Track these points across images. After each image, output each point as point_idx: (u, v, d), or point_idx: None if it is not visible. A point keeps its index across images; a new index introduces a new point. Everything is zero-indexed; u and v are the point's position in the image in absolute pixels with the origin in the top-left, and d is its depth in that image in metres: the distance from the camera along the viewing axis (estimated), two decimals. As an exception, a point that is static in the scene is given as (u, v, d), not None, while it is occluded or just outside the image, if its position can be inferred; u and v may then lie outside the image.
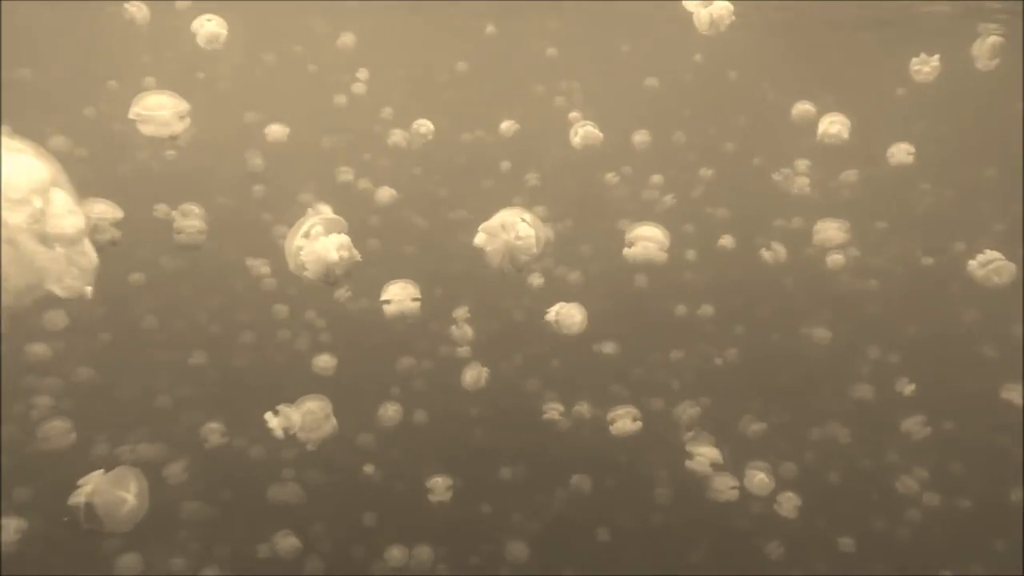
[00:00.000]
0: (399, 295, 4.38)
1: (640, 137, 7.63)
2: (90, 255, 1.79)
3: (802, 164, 7.13)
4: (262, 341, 7.79)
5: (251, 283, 7.32)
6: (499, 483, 7.62)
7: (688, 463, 4.56)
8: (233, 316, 7.84)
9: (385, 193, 6.44)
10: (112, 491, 2.84)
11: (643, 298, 8.04)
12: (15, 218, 1.67)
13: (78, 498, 2.81)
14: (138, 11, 5.78)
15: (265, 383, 7.70)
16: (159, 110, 3.90)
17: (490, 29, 9.11)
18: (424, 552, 5.92)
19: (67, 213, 1.74)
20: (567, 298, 7.76)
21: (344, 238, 3.25)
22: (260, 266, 6.93)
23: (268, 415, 3.52)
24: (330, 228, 3.31)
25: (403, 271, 8.04)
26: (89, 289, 1.79)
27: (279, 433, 3.48)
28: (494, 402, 7.87)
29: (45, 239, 1.69)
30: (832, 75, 9.11)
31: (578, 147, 5.32)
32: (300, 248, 3.26)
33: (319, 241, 3.20)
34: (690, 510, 7.53)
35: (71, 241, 1.73)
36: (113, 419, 7.04)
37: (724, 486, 4.62)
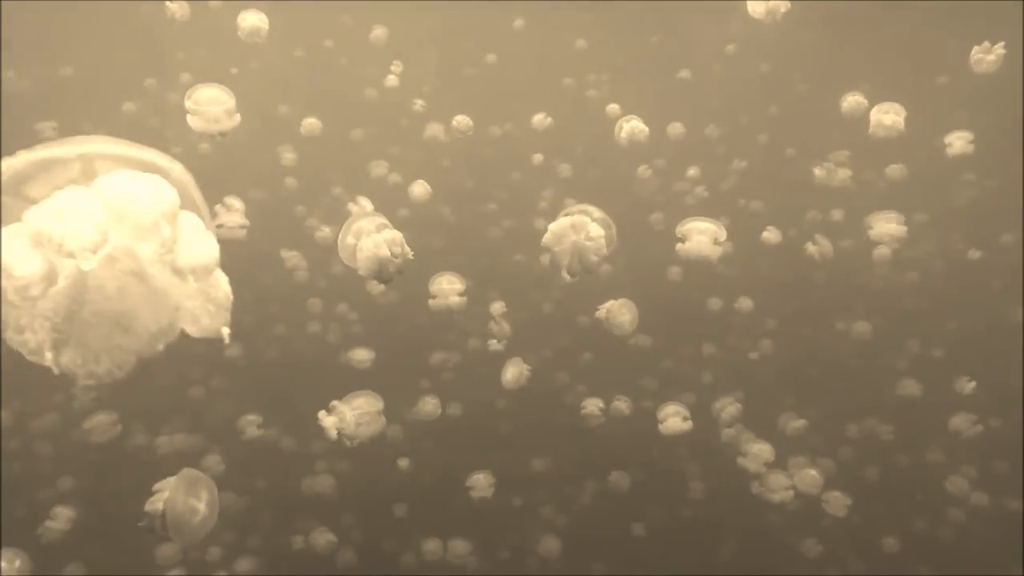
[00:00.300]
0: (445, 289, 4.36)
1: (673, 129, 7.53)
2: (223, 287, 1.54)
3: (842, 155, 6.98)
4: (295, 334, 7.85)
5: (284, 276, 7.37)
6: (531, 477, 7.60)
7: (740, 460, 4.47)
8: (266, 309, 7.90)
9: (420, 188, 6.43)
10: (186, 500, 2.82)
11: (676, 291, 7.94)
12: (144, 249, 1.43)
13: (155, 505, 2.79)
14: (179, 8, 5.83)
15: (299, 376, 7.78)
16: (211, 105, 3.91)
17: (519, 23, 9.06)
18: (459, 545, 5.91)
19: (199, 240, 1.48)
20: (597, 291, 7.72)
21: (396, 234, 3.22)
22: (294, 259, 6.96)
23: (322, 414, 3.49)
24: (381, 224, 3.30)
25: (432, 264, 8.06)
26: (227, 331, 1.56)
27: (333, 433, 3.45)
28: (525, 395, 7.85)
29: (177, 272, 1.44)
30: (867, 65, 8.92)
31: (624, 143, 5.23)
32: (353, 246, 3.25)
33: (371, 238, 3.18)
34: (725, 506, 7.45)
35: (205, 272, 1.47)
36: (150, 410, 7.13)
37: (779, 485, 4.50)
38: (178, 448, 6.63)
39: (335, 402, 3.58)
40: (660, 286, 8.03)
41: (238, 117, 4.06)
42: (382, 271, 3.17)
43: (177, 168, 1.56)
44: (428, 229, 8.42)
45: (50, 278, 1.39)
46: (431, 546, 6.40)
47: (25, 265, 1.36)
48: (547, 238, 3.16)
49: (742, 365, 8.13)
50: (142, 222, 1.39)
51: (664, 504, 7.51)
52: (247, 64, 8.77)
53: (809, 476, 4.51)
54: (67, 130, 7.11)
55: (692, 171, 8.47)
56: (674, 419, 4.51)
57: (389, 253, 3.15)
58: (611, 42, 9.41)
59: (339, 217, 7.85)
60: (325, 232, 6.31)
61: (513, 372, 5.27)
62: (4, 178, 1.37)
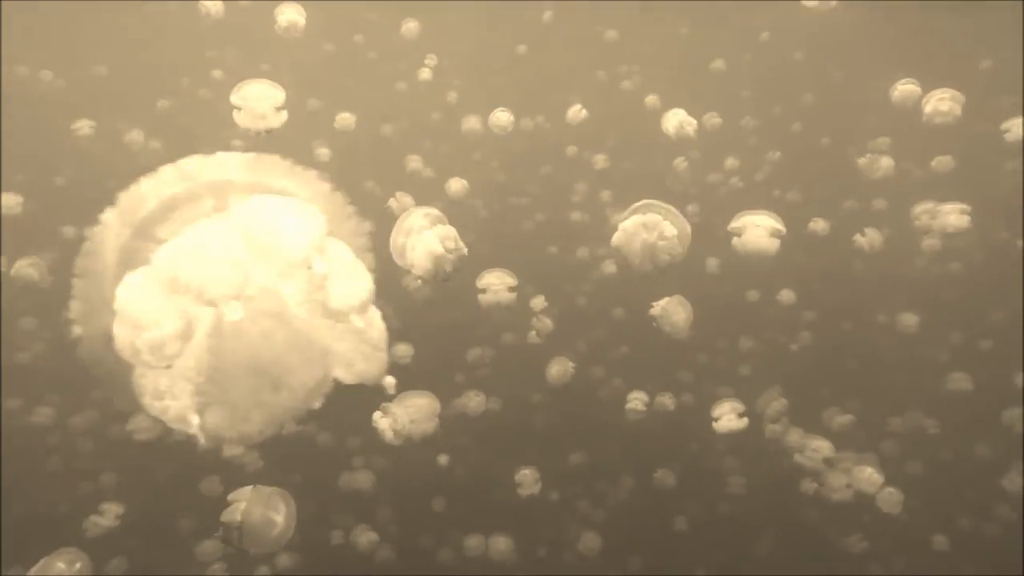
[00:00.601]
0: (495, 284, 4.28)
1: (709, 120, 7.40)
2: (378, 325, 1.33)
3: (883, 143, 6.83)
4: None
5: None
6: (569, 472, 7.54)
7: (797, 457, 4.37)
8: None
9: (457, 184, 6.36)
10: (263, 511, 2.76)
11: (712, 283, 7.84)
12: (291, 289, 1.24)
13: (233, 516, 2.73)
14: (214, 7, 5.80)
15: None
16: (258, 101, 3.84)
17: (548, 15, 8.97)
18: (498, 542, 5.88)
19: (350, 272, 1.27)
20: (632, 283, 7.64)
21: (449, 230, 3.13)
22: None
23: (376, 415, 3.43)
24: (434, 221, 3.21)
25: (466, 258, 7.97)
26: (391, 380, 1.37)
27: (389, 435, 3.39)
28: (561, 390, 7.79)
29: (328, 312, 1.25)
30: (903, 51, 8.74)
31: (673, 136, 5.11)
32: (405, 245, 3.16)
33: (423, 236, 3.09)
34: (765, 502, 7.36)
35: (360, 310, 1.27)
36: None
37: (839, 484, 4.38)
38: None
39: (390, 403, 3.51)
40: (697, 278, 7.93)
41: (285, 114, 3.99)
42: (438, 269, 3.08)
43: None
44: (460, 223, 8.35)
45: (188, 331, 1.20)
46: (469, 542, 6.38)
47: (161, 319, 1.17)
48: (617, 237, 3.07)
49: (781, 358, 8.02)
50: (289, 258, 1.19)
51: (703, 500, 7.43)
52: (277, 60, 8.76)
53: (867, 474, 4.40)
54: (104, 128, 7.15)
55: (726, 162, 8.35)
56: (729, 416, 4.41)
57: (444, 250, 3.07)
58: (642, 33, 9.29)
59: (372, 212, 7.84)
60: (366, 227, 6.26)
61: (558, 369, 5.21)
62: (128, 220, 1.22)
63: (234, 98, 3.86)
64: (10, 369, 7.12)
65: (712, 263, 7.56)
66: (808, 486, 5.27)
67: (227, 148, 6.64)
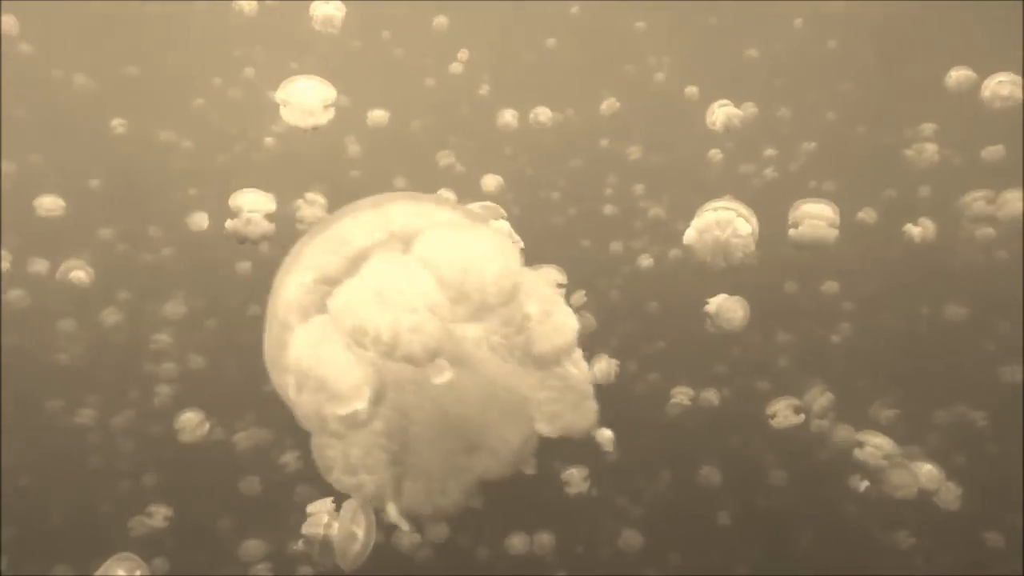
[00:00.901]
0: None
1: (745, 110, 7.27)
2: (583, 369, 1.11)
3: (928, 129, 6.67)
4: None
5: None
6: (606, 467, 7.47)
7: (857, 453, 4.26)
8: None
9: (492, 180, 6.29)
10: (345, 526, 2.69)
11: (750, 274, 7.72)
12: (487, 333, 1.03)
13: (315, 529, 2.66)
14: (248, 6, 5.76)
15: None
16: (305, 96, 3.76)
17: (575, 9, 8.87)
18: (536, 539, 5.82)
19: (552, 310, 1.03)
20: (666, 276, 7.55)
21: (503, 225, 3.07)
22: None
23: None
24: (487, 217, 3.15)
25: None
26: (609, 435, 1.15)
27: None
28: (596, 384, 7.72)
29: (529, 357, 1.03)
30: (935, 36, 8.55)
31: (720, 129, 4.99)
32: None
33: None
34: (807, 496, 7.25)
35: (565, 354, 1.05)
36: (225, 405, 7.18)
37: (903, 481, 4.24)
38: (257, 443, 6.65)
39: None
40: (734, 269, 7.81)
41: (333, 111, 3.91)
42: None
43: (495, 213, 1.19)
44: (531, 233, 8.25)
45: (380, 394, 1.00)
46: (507, 540, 6.33)
47: (349, 381, 0.97)
48: (689, 235, 2.98)
49: (822, 351, 7.89)
50: (488, 299, 1.01)
51: (745, 495, 7.33)
52: (305, 58, 8.74)
53: (927, 471, 4.28)
54: (137, 127, 7.16)
55: (761, 152, 8.22)
56: (785, 413, 4.31)
57: None
58: (671, 23, 9.16)
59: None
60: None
61: (601, 368, 5.11)
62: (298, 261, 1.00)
63: (280, 94, 3.77)
64: (51, 370, 7.17)
65: (752, 255, 7.42)
66: (857, 482, 5.16)
67: (257, 145, 6.65)
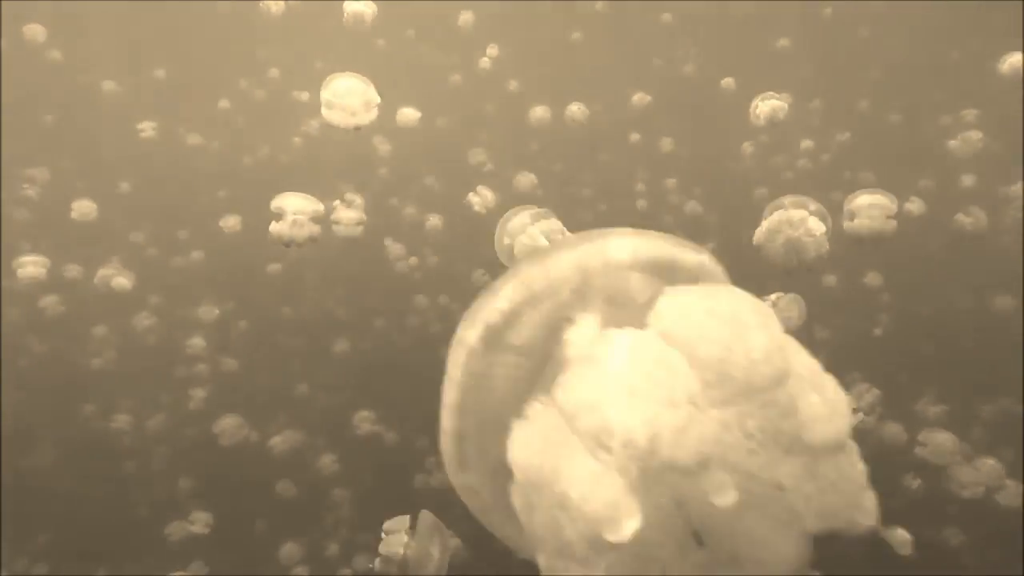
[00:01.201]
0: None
1: (776, 102, 7.12)
2: (858, 464, 0.89)
3: (970, 115, 6.50)
4: (398, 326, 7.76)
5: (385, 268, 7.28)
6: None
7: (919, 451, 4.12)
8: (368, 302, 7.83)
9: (525, 179, 6.18)
10: (423, 544, 2.59)
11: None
12: (726, 413, 0.80)
13: (394, 549, 2.56)
14: (275, 6, 5.69)
15: (410, 370, 7.69)
16: (348, 97, 3.66)
17: (600, 5, 8.76)
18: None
19: (821, 392, 0.85)
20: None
21: (553, 223, 2.96)
22: (396, 250, 6.85)
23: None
24: (536, 215, 3.05)
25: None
26: (905, 536, 0.96)
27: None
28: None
29: (798, 448, 0.81)
30: (968, 22, 8.36)
31: (763, 123, 4.84)
32: (510, 247, 3.00)
33: (526, 232, 2.93)
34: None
35: (837, 446, 0.85)
36: (258, 407, 7.15)
37: (970, 480, 4.04)
38: (292, 446, 6.60)
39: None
40: (767, 263, 7.68)
41: (376, 111, 3.81)
42: None
43: (706, 259, 1.01)
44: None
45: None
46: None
47: (603, 499, 0.76)
48: (760, 234, 2.87)
49: (864, 344, 7.74)
50: (756, 381, 0.83)
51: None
52: (329, 57, 8.69)
53: (989, 467, 4.14)
54: (165, 130, 7.14)
55: (794, 143, 8.07)
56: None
57: (547, 245, 2.89)
58: (697, 14, 9.02)
59: (434, 207, 7.73)
60: (435, 221, 6.13)
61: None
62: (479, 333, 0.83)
63: (324, 94, 3.69)
64: (85, 375, 7.17)
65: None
66: (911, 481, 5.02)
67: (286, 144, 6.56)
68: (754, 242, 2.88)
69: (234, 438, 5.16)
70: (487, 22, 8.17)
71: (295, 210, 3.21)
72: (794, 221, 2.79)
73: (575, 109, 6.23)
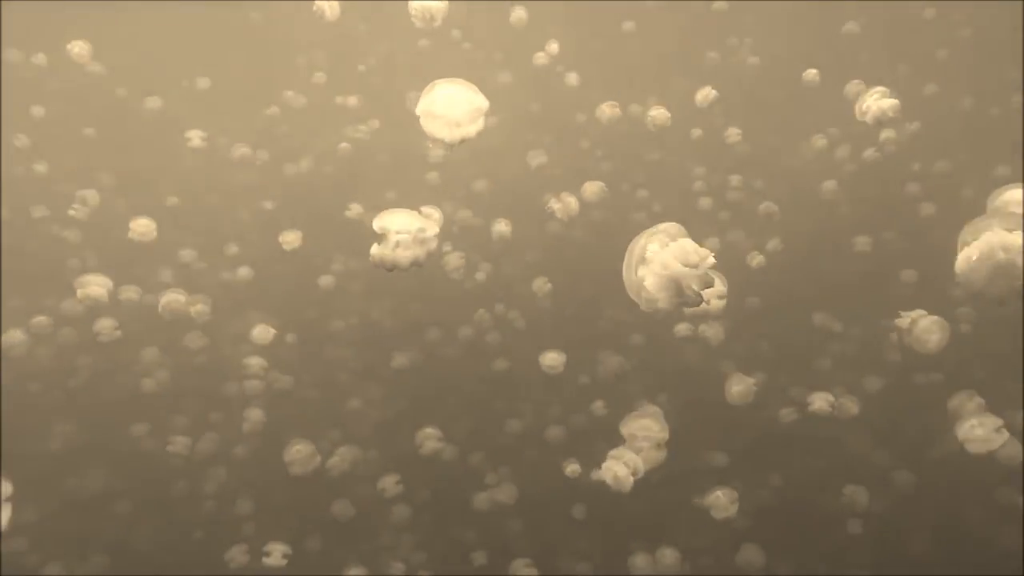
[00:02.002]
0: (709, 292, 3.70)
1: (852, 88, 6.73)
2: None
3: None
4: (454, 337, 7.51)
5: (440, 277, 7.02)
6: (708, 471, 7.05)
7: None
8: (425, 313, 7.60)
9: (593, 187, 5.86)
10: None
11: (858, 263, 7.23)
12: None
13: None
14: (330, 8, 5.42)
15: (472, 385, 7.44)
16: (452, 106, 3.29)
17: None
18: (668, 555, 5.44)
19: None
20: (771, 271, 7.05)
21: (687, 243, 2.62)
22: (454, 259, 6.57)
23: (612, 465, 2.98)
24: (666, 236, 2.72)
25: (585, 258, 7.49)
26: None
27: (628, 484, 2.95)
28: (691, 385, 7.30)
29: None
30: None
31: (871, 121, 4.42)
32: (643, 277, 2.67)
33: (657, 257, 2.57)
34: (933, 502, 6.75)
35: None
36: (317, 425, 6.95)
37: None
38: (352, 464, 6.37)
39: (621, 450, 3.05)
40: (841, 258, 7.30)
41: (482, 121, 3.43)
42: (685, 294, 2.56)
43: None
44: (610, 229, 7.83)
45: None
46: (608, 559, 6.00)
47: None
48: (964, 261, 2.51)
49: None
50: None
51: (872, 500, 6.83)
52: (370, 60, 8.47)
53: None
54: (211, 141, 6.93)
55: (865, 133, 7.66)
56: (983, 435, 3.75)
57: (684, 269, 2.57)
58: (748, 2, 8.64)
59: (490, 212, 7.46)
60: (504, 228, 5.81)
61: (739, 389, 4.65)
62: None
63: (423, 104, 3.31)
64: (136, 396, 7.03)
65: (862, 241, 6.93)
66: (1006, 494, 4.67)
67: (331, 152, 6.27)
68: (956, 271, 2.52)
69: (306, 467, 4.93)
70: (536, 20, 7.87)
71: (399, 229, 2.89)
72: (1009, 246, 2.44)
73: (651, 110, 5.90)
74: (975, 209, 6.60)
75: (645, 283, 2.63)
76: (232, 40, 8.15)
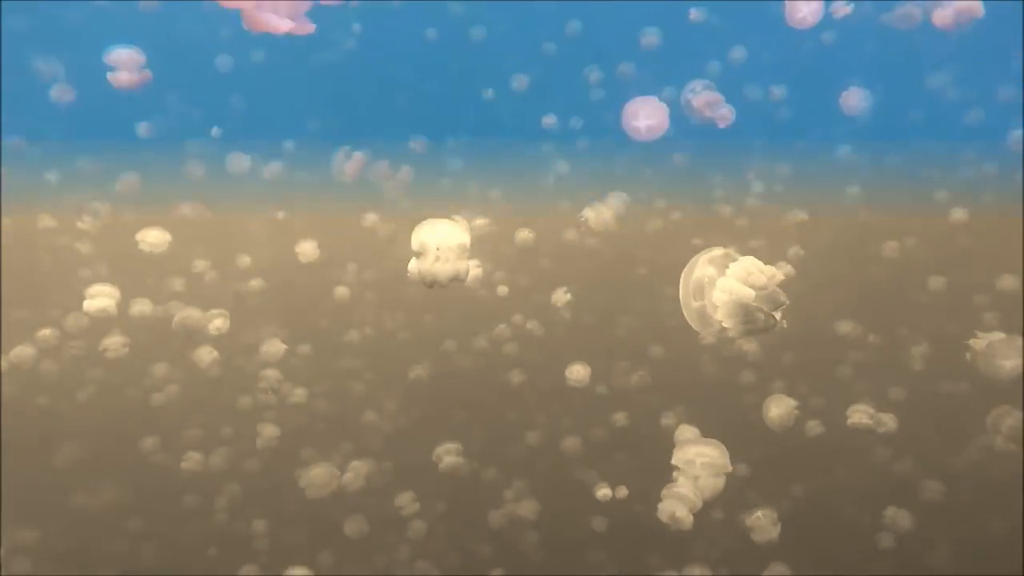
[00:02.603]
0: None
1: (933, 81, 6.47)
2: None
3: None
4: (473, 350, 7.37)
5: (456, 286, 6.87)
6: (736, 486, 6.88)
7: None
8: (447, 326, 7.47)
9: (616, 198, 5.70)
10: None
11: (888, 269, 7.09)
12: None
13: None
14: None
15: (495, 398, 7.30)
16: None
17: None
18: (695, 572, 5.29)
19: None
20: (805, 279, 6.89)
21: (751, 261, 2.46)
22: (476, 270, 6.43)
23: (669, 505, 2.85)
24: (723, 259, 2.56)
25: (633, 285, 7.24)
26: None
27: (688, 523, 2.83)
28: (716, 399, 7.16)
29: None
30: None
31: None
32: (704, 305, 2.52)
33: (720, 282, 2.42)
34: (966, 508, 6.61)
35: None
36: (331, 439, 6.81)
37: None
38: (369, 480, 6.23)
39: (680, 487, 2.89)
40: (869, 264, 7.15)
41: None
42: (750, 317, 2.41)
43: None
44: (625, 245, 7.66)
45: None
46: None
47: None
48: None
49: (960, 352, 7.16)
50: None
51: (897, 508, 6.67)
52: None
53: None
54: (240, 158, 6.74)
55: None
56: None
57: (751, 293, 2.39)
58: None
59: (508, 224, 7.30)
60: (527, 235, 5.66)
61: (778, 411, 4.47)
62: None
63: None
64: (145, 410, 6.89)
65: (891, 247, 6.78)
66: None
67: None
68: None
69: (323, 491, 4.78)
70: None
71: (439, 242, 2.67)
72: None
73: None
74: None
75: (716, 314, 2.49)
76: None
